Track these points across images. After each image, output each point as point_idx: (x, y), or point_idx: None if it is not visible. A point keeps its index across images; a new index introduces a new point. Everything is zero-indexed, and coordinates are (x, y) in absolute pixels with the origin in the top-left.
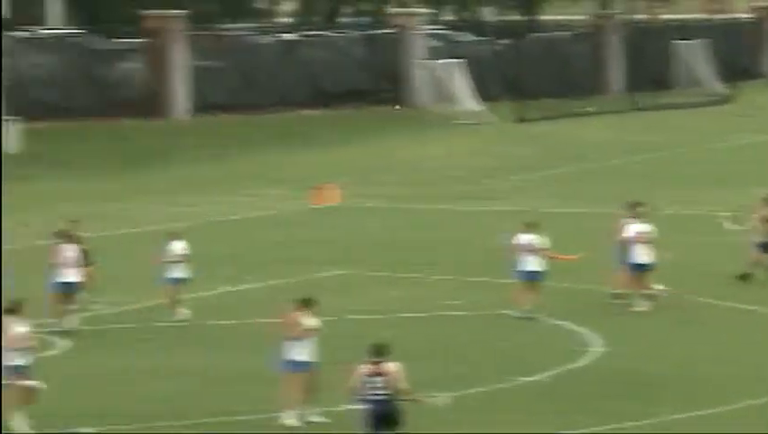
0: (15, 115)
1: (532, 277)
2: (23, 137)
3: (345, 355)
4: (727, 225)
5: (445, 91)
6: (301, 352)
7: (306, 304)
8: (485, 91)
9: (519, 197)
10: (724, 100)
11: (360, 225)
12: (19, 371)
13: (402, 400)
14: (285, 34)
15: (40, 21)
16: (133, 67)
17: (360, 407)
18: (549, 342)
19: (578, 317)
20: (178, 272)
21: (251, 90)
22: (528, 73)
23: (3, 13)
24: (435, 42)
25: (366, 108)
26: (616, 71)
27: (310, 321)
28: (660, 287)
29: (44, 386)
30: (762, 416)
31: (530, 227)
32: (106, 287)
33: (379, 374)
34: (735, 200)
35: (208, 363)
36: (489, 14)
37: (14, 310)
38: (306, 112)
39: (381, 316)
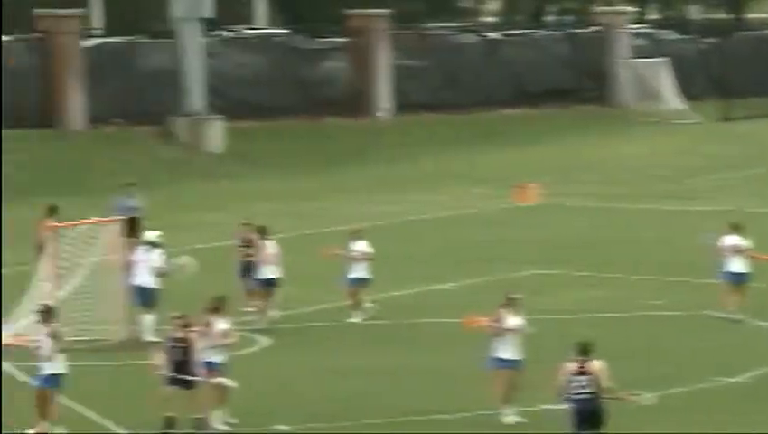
0: (219, 114)
1: (737, 278)
2: (226, 136)
3: (545, 355)
4: None
5: (649, 90)
6: (505, 350)
7: (511, 303)
8: (689, 90)
9: (722, 197)
10: None
11: (560, 224)
12: (214, 368)
13: (606, 398)
14: (488, 33)
15: (245, 20)
16: (336, 66)
17: (565, 406)
18: (753, 343)
19: None
20: (359, 272)
21: (453, 90)
22: (733, 72)
23: (208, 13)
24: (639, 41)
25: (569, 107)
26: None
27: (514, 320)
28: None
29: (235, 385)
30: None
31: (735, 228)
32: (304, 285)
33: (584, 373)
34: None
35: (404, 361)
36: (694, 13)
37: (218, 308)
38: (508, 111)
39: (582, 316)
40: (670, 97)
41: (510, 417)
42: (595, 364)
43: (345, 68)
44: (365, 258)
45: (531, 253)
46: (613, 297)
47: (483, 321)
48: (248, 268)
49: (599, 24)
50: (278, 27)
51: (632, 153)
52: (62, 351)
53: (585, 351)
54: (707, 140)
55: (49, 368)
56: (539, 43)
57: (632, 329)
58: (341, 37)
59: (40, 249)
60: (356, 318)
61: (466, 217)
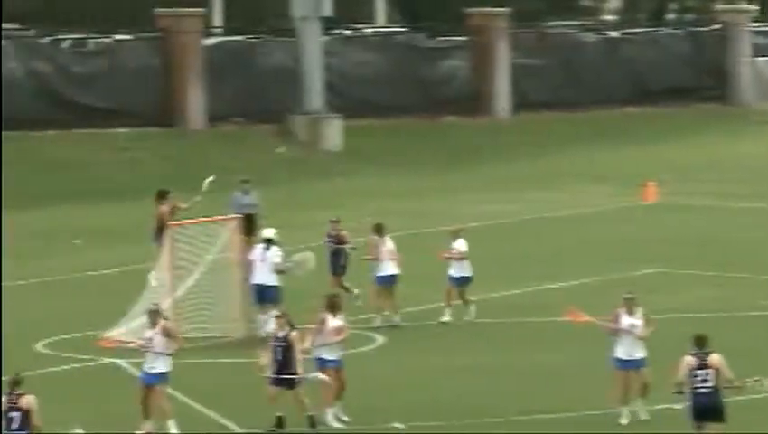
0: (338, 113)
1: None
2: (344, 135)
3: (664, 355)
4: None
5: None
6: (623, 350)
7: (627, 303)
8: None
9: None
10: None
11: (679, 223)
12: (328, 365)
13: (727, 387)
14: (608, 32)
15: (364, 19)
16: (456, 65)
17: (686, 400)
18: None
19: None
20: (461, 271)
21: (573, 88)
22: None
23: (328, 11)
24: (760, 39)
25: (689, 105)
26: None
27: (630, 320)
28: None
29: (329, 380)
30: None
31: None
32: (417, 283)
33: (705, 366)
34: None
35: (517, 361)
36: None
37: (332, 305)
38: (628, 109)
39: (702, 315)
40: None
41: (624, 418)
42: (715, 358)
43: (465, 66)
44: (461, 256)
45: (650, 252)
46: (732, 297)
47: (586, 316)
48: (337, 264)
49: (720, 23)
50: (398, 26)
51: (751, 152)
52: (178, 349)
53: (701, 344)
54: None
55: (158, 366)
56: (660, 42)
57: (750, 329)
58: (460, 36)
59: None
60: (447, 318)
61: (585, 216)
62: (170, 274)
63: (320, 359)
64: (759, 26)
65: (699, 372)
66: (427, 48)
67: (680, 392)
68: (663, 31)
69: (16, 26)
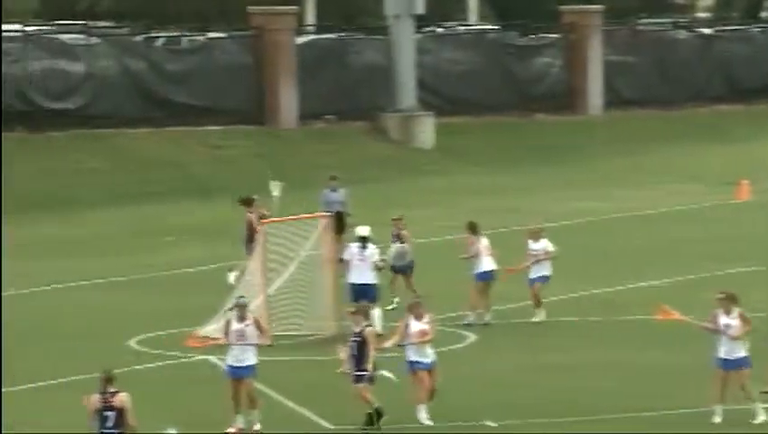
0: (429, 110)
1: None
2: (436, 133)
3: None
4: None
5: None
6: (722, 349)
7: (723, 301)
8: None
9: None
10: None
11: None
12: (416, 367)
13: None
14: (701, 29)
15: (457, 17)
16: (549, 62)
17: None
18: None
19: None
20: (541, 270)
21: (665, 85)
22: None
23: (420, 9)
24: None
25: None
26: None
27: (727, 319)
28: None
29: (396, 378)
30: None
31: None
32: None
33: None
34: None
35: (608, 358)
36: None
37: (415, 310)
38: (721, 107)
39: None
40: None
41: (717, 417)
42: None
43: (557, 64)
44: (547, 257)
45: (743, 250)
46: None
47: (677, 315)
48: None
49: None
50: (490, 23)
51: None
52: (267, 343)
53: None
54: None
55: (248, 358)
56: (754, 39)
57: None
58: (553, 33)
59: (249, 242)
60: (538, 317)
61: (677, 214)
62: (262, 272)
63: (410, 361)
64: None
65: None
66: (520, 45)
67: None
68: (757, 28)
69: (110, 24)
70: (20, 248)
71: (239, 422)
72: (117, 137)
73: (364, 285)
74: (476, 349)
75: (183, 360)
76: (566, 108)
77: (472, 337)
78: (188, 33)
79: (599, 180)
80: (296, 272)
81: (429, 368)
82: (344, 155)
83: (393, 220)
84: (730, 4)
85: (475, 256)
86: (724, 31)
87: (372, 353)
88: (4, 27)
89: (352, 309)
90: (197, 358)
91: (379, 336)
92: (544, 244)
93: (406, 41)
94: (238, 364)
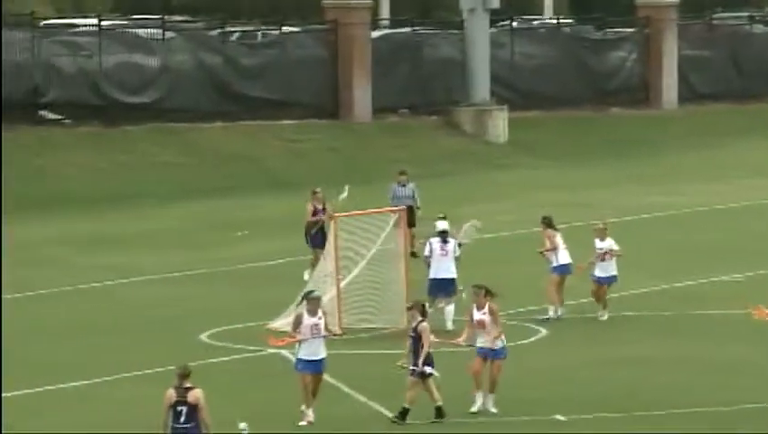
0: (503, 104)
1: None
2: (510, 127)
3: None
4: None
5: None
6: None
7: None
8: None
9: None
10: None
11: None
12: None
13: None
14: None
15: (532, 11)
16: (624, 57)
17: None
18: None
19: None
20: (607, 270)
21: (740, 80)
22: None
23: (495, 3)
24: None
25: None
26: None
27: None
28: None
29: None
30: None
31: None
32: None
33: None
34: None
35: (683, 353)
36: None
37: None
38: None
39: None
40: None
41: None
42: None
43: (632, 58)
44: (613, 255)
45: None
46: None
47: None
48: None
49: None
50: (565, 17)
51: None
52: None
53: None
54: None
55: (321, 352)
56: None
57: None
58: (629, 27)
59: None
60: (605, 316)
61: (751, 208)
62: (335, 266)
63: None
64: None
65: None
66: (595, 39)
67: None
68: None
69: (186, 19)
70: (94, 242)
71: (310, 416)
72: (191, 132)
73: (444, 279)
74: (547, 343)
75: (254, 354)
76: (640, 103)
77: (543, 332)
78: (263, 28)
79: (673, 174)
80: (368, 266)
81: (486, 356)
82: (417, 150)
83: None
84: None
85: (554, 250)
86: None
87: (425, 349)
88: (79, 22)
89: (409, 304)
90: (268, 352)
91: (447, 332)
92: (609, 243)
93: (480, 35)
94: (313, 358)
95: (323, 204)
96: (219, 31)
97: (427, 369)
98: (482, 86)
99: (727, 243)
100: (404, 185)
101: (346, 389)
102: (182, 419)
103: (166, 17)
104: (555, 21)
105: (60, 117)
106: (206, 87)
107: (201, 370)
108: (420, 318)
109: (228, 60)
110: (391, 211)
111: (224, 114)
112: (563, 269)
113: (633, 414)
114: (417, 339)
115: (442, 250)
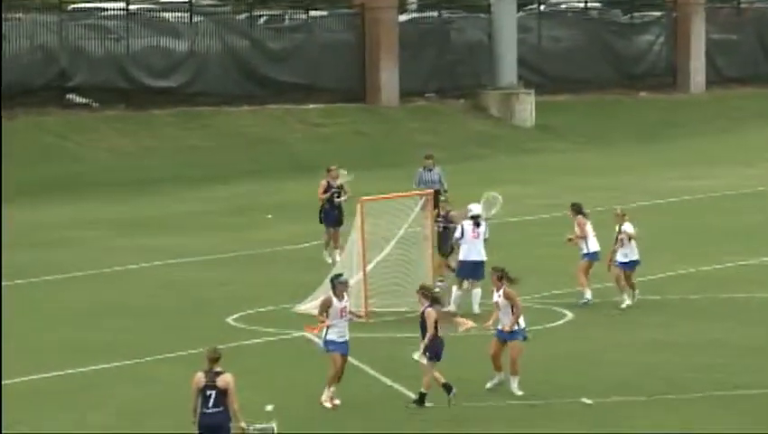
0: (530, 88)
1: None
2: (537, 110)
3: None
4: None
5: None
6: None
7: None
8: None
9: None
10: None
11: None
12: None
13: None
14: None
15: None
16: (651, 40)
17: None
18: None
19: None
20: (630, 255)
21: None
22: None
23: None
24: None
25: None
26: None
27: None
28: None
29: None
30: None
31: None
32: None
33: None
34: None
35: (712, 336)
36: None
37: (497, 280)
38: None
39: None
40: None
41: None
42: None
43: (660, 42)
44: (630, 238)
45: None
46: None
47: None
48: (446, 244)
49: None
50: (593, 1)
51: None
52: (361, 320)
53: None
54: None
55: (346, 334)
56: None
57: None
58: (656, 11)
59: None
60: (628, 301)
61: None
62: (361, 248)
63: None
64: None
65: None
66: (623, 23)
67: None
68: None
69: (213, 3)
70: (121, 225)
71: (336, 399)
72: (218, 115)
73: (476, 262)
74: (573, 327)
75: (281, 337)
76: (667, 87)
77: (569, 315)
78: (290, 12)
79: (700, 158)
80: (395, 249)
81: (503, 338)
82: (444, 133)
83: (442, 201)
84: None
85: (583, 238)
86: None
87: (429, 334)
88: (107, 5)
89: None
90: (296, 334)
91: (474, 316)
92: (626, 227)
93: (508, 18)
94: (342, 340)
95: (343, 186)
96: (246, 15)
97: (415, 355)
98: (509, 70)
99: (755, 227)
100: (430, 170)
101: (372, 372)
102: (211, 403)
103: (194, 1)
104: (582, 4)
105: (87, 100)
106: (233, 71)
107: (229, 353)
108: (426, 304)
109: (255, 44)
110: (419, 194)
111: (251, 98)
112: (593, 256)
113: (659, 397)
114: (422, 324)
115: (474, 232)
